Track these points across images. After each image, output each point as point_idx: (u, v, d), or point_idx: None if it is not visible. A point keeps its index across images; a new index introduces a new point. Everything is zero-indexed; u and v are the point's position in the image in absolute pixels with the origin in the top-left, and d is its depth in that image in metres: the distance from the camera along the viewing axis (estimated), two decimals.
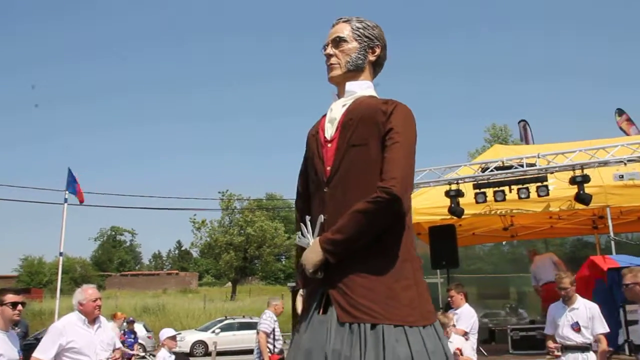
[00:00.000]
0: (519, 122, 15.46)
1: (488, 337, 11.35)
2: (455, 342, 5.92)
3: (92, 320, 4.75)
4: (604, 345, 5.38)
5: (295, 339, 2.15)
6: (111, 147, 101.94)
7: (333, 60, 2.35)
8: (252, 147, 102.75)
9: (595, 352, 5.44)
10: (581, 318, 5.43)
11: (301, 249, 2.21)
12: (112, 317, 11.57)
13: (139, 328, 17.14)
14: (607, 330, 5.40)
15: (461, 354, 5.98)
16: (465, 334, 6.32)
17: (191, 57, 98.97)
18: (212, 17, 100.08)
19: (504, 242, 15.83)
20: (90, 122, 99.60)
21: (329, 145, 2.25)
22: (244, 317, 24.98)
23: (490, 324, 12.84)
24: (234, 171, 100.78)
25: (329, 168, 2.21)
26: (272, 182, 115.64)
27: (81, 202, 14.02)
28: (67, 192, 13.78)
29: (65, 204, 13.71)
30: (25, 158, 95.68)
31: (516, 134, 32.75)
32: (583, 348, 5.39)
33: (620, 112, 13.60)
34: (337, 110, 2.32)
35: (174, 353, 7.87)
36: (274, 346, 8.37)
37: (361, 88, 2.35)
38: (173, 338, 7.88)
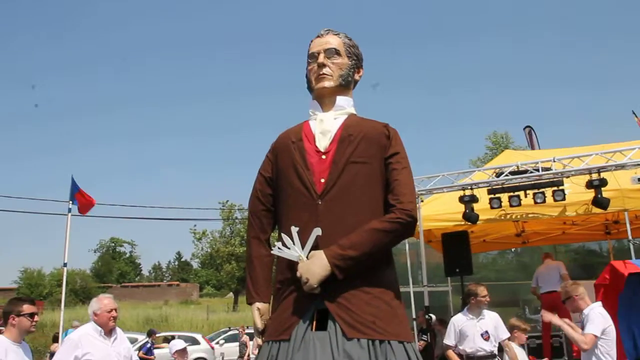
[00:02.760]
0: (524, 128, 15.30)
1: None
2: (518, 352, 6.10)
3: (109, 331, 4.58)
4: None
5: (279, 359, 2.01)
6: (111, 159, 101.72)
7: (327, 70, 2.32)
8: (252, 157, 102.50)
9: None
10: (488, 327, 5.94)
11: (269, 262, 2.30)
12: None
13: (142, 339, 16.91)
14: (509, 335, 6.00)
15: None
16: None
17: (192, 69, 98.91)
18: (212, 28, 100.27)
19: (513, 249, 15.63)
20: (92, 134, 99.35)
21: (323, 157, 2.19)
22: (247, 327, 24.79)
23: None
24: (235, 181, 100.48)
25: (323, 180, 2.15)
26: None
27: (82, 213, 13.75)
28: (70, 202, 13.57)
29: (69, 214, 13.51)
30: (27, 169, 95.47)
31: (518, 142, 32.78)
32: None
33: (635, 114, 13.45)
34: (329, 122, 2.28)
35: None
36: None
37: (348, 105, 2.35)
38: (183, 351, 7.50)
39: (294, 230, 2.08)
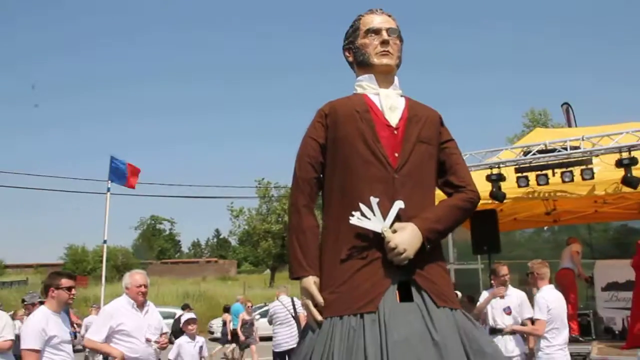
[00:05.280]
0: (562, 105, 15.06)
1: None
2: None
3: (140, 304, 4.86)
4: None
5: (373, 332, 1.94)
6: (148, 136, 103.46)
7: (390, 49, 2.33)
8: (289, 134, 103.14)
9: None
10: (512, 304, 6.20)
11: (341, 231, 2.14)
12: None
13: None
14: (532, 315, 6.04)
15: None
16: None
17: (232, 45, 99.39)
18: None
19: (545, 227, 15.47)
20: (129, 111, 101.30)
21: (395, 132, 2.23)
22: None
23: None
24: (272, 158, 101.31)
25: (396, 155, 2.19)
26: None
27: (132, 187, 14.01)
28: (109, 181, 13.88)
29: (108, 194, 13.84)
30: (64, 147, 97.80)
31: (556, 118, 32.13)
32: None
33: None
34: (395, 99, 2.32)
35: None
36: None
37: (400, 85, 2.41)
38: (187, 322, 7.16)
39: (374, 201, 2.08)
